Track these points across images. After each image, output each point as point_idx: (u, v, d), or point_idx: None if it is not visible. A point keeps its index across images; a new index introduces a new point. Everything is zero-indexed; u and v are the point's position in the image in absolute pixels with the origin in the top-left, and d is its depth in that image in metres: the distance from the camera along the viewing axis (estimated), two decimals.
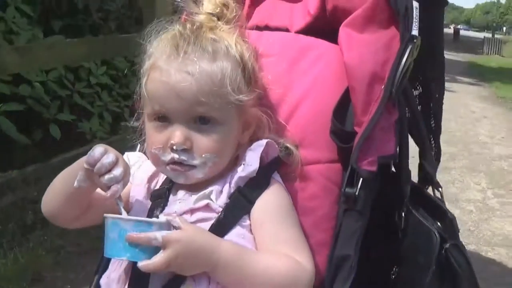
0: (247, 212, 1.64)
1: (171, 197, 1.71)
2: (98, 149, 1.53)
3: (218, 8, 1.80)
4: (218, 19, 1.78)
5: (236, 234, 1.60)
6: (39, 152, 5.50)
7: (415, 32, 1.64)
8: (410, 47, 1.64)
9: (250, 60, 1.72)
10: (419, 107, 2.00)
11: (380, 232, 1.76)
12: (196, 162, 1.62)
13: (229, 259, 1.51)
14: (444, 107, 2.13)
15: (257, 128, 1.74)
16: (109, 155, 1.53)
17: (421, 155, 1.94)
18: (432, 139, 2.08)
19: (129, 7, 7.81)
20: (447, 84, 2.10)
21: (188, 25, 1.70)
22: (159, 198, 1.72)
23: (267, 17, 2.02)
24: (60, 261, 4.17)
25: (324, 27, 1.91)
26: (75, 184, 1.56)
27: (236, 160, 1.74)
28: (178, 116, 1.60)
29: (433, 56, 2.00)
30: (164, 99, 1.60)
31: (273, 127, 1.75)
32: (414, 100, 1.90)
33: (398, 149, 1.71)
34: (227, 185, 1.67)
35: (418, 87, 2.07)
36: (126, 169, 1.57)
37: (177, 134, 1.59)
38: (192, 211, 1.64)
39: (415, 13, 1.65)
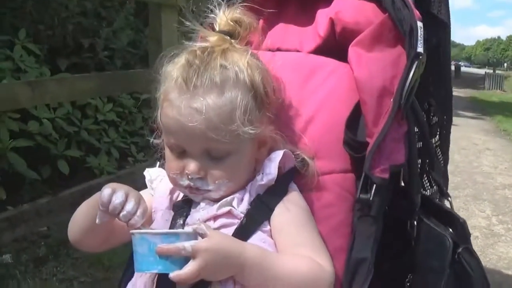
0: (267, 218, 1.69)
1: (193, 206, 1.76)
2: (106, 192, 1.58)
3: (231, 26, 1.82)
4: (232, 37, 1.80)
5: (258, 238, 1.65)
6: (47, 188, 5.55)
7: (420, 49, 1.72)
8: (416, 63, 1.71)
9: (263, 82, 1.74)
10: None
11: (393, 242, 1.81)
12: (210, 187, 1.68)
13: (254, 262, 1.55)
14: None
15: (274, 143, 1.79)
16: (117, 194, 1.58)
17: (430, 166, 2.00)
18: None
19: (134, 45, 7.92)
20: None
21: (198, 52, 1.70)
22: (181, 208, 1.77)
23: (279, 40, 2.08)
24: None
25: (332, 48, 1.99)
26: (97, 221, 1.61)
27: (255, 171, 1.78)
28: (191, 150, 1.66)
29: (440, 79, 2.06)
30: (177, 135, 1.66)
31: (286, 142, 1.80)
32: (422, 115, 1.95)
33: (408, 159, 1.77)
34: (247, 193, 1.72)
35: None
36: (139, 199, 1.61)
37: (191, 165, 1.66)
38: (215, 217, 1.68)
39: (420, 32, 1.73)
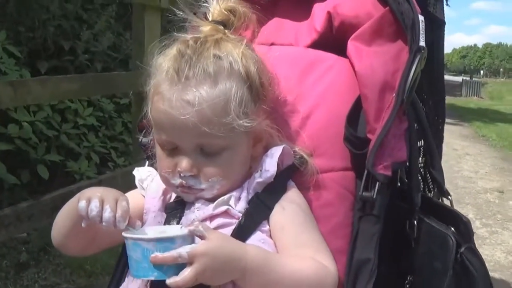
0: (266, 217, 1.63)
1: (187, 207, 1.69)
2: (81, 205, 1.50)
3: (224, 16, 1.78)
4: (225, 27, 1.76)
5: (257, 239, 1.59)
6: (26, 194, 5.47)
7: (422, 43, 1.68)
8: (418, 57, 1.67)
9: (258, 73, 1.69)
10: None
11: (391, 244, 1.75)
12: (203, 186, 1.62)
13: (255, 266, 1.48)
14: None
15: (270, 139, 1.73)
16: (91, 206, 1.49)
17: (430, 164, 1.94)
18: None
19: (114, 48, 7.85)
20: None
21: (191, 42, 1.64)
22: (174, 210, 1.71)
23: (273, 35, 2.03)
24: None
25: (329, 42, 1.94)
26: (83, 224, 1.55)
27: (251, 169, 1.73)
28: (183, 146, 1.60)
29: (432, 77, 2.03)
30: (169, 129, 1.59)
31: (282, 138, 1.75)
32: (422, 112, 1.91)
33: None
34: (245, 191, 1.66)
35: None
36: (115, 203, 1.52)
37: (183, 162, 1.59)
38: (211, 217, 1.62)
39: (421, 26, 1.69)
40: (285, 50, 1.97)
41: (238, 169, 1.67)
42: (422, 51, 1.67)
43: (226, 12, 1.78)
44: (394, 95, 1.67)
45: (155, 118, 1.64)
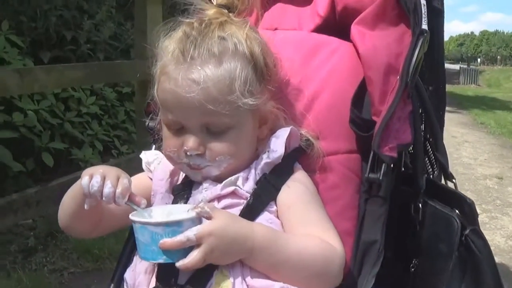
0: (274, 198, 1.65)
1: (194, 188, 1.71)
2: (84, 182, 1.52)
3: (229, 0, 1.81)
4: (230, 11, 1.78)
5: (265, 219, 1.61)
6: (31, 181, 5.50)
7: (424, 26, 1.70)
8: (421, 39, 1.68)
9: (262, 54, 1.70)
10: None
11: (396, 228, 1.78)
12: (211, 164, 1.63)
13: (263, 244, 1.50)
14: None
15: (276, 120, 1.75)
16: (93, 182, 1.52)
17: (434, 147, 1.97)
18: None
19: (116, 38, 7.88)
20: None
21: (196, 24, 1.66)
22: (182, 191, 1.73)
23: (276, 20, 2.06)
24: (64, 282, 4.15)
25: (332, 27, 1.97)
26: (86, 207, 1.58)
27: (257, 151, 1.75)
28: (190, 125, 1.61)
29: (433, 65, 2.04)
30: (175, 108, 1.61)
31: (288, 119, 1.77)
32: (426, 95, 1.93)
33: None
34: (252, 171, 1.68)
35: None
36: (116, 180, 1.54)
37: (190, 141, 1.60)
38: (219, 198, 1.63)
39: (424, 9, 1.71)
40: (289, 34, 2.00)
41: (244, 148, 1.68)
42: (425, 34, 1.69)
43: None
44: (398, 77, 1.69)
45: (161, 98, 1.66)
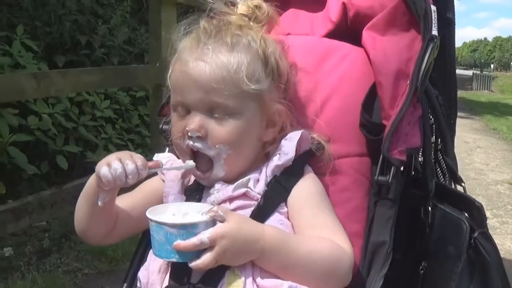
0: (284, 199, 1.67)
1: (205, 190, 1.74)
2: (104, 171, 1.54)
3: (251, 10, 1.85)
4: (250, 20, 1.83)
5: (275, 220, 1.64)
6: (45, 184, 5.54)
7: (434, 32, 1.73)
8: (431, 45, 1.71)
9: (274, 55, 1.75)
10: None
11: (406, 231, 1.81)
12: (211, 152, 1.66)
13: (274, 246, 1.53)
14: None
15: (284, 125, 1.78)
16: (114, 166, 1.54)
17: (443, 151, 1.99)
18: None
19: (130, 43, 7.92)
20: None
21: (214, 21, 1.75)
22: (193, 192, 1.76)
23: (289, 26, 2.09)
24: (78, 283, 4.17)
25: (344, 32, 2.01)
26: (99, 203, 1.61)
27: (268, 154, 1.78)
28: (195, 105, 1.65)
29: (445, 73, 2.06)
30: (183, 88, 1.66)
31: (299, 122, 1.80)
32: (436, 101, 1.96)
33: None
34: (263, 174, 1.71)
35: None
36: (131, 156, 1.58)
37: (193, 121, 1.64)
38: (230, 199, 1.67)
39: (434, 15, 1.74)
40: (301, 39, 2.03)
41: (244, 142, 1.70)
42: (435, 40, 1.72)
43: (252, 7, 1.85)
44: (408, 82, 1.72)
45: (172, 79, 1.72)
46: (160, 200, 1.79)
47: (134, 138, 7.23)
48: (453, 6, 2.01)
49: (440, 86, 2.04)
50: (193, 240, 1.45)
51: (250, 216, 1.62)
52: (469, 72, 61.70)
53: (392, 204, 1.71)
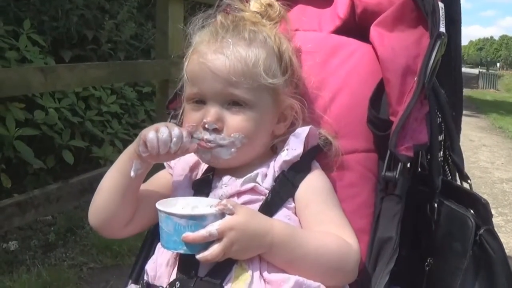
0: (292, 195, 1.68)
1: (214, 183, 1.75)
2: (151, 135, 1.57)
3: (263, 7, 1.88)
4: (262, 17, 1.86)
5: (283, 215, 1.64)
6: (50, 178, 5.55)
7: (442, 29, 1.73)
8: (439, 42, 1.72)
9: (288, 52, 1.78)
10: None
11: (411, 227, 1.82)
12: (224, 142, 1.67)
13: (281, 240, 1.54)
14: None
15: (295, 120, 1.79)
16: (162, 131, 1.59)
17: (450, 148, 1.99)
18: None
19: (137, 38, 7.93)
20: None
21: (230, 17, 1.78)
22: (201, 186, 1.77)
23: (297, 22, 2.09)
24: (83, 277, 4.18)
25: (351, 29, 2.02)
26: (132, 174, 1.63)
27: (275, 149, 1.80)
28: (212, 97, 1.67)
29: (450, 71, 2.05)
30: (200, 79, 1.68)
31: (307, 117, 1.81)
32: (443, 97, 1.96)
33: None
34: (271, 169, 1.71)
35: None
36: (170, 125, 1.63)
37: (210, 113, 1.66)
38: (238, 194, 1.68)
39: (442, 12, 1.75)
40: (309, 35, 2.04)
41: (259, 134, 1.72)
42: (443, 37, 1.73)
43: (265, 5, 1.89)
44: (415, 79, 1.72)
45: (189, 71, 1.73)
46: (168, 193, 1.79)
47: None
48: (459, 4, 2.01)
49: (445, 83, 2.03)
50: (202, 232, 1.46)
51: (258, 211, 1.62)
52: (475, 71, 61.71)
53: (398, 200, 1.71)
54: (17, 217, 3.73)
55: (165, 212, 1.51)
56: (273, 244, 1.53)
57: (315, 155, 1.78)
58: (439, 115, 1.94)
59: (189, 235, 1.46)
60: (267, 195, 1.66)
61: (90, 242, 4.62)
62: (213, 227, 1.46)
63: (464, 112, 2.17)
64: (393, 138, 1.68)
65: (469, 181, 1.98)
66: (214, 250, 1.46)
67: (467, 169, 1.97)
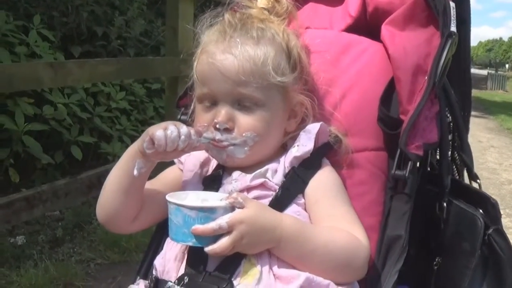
0: (302, 191, 1.68)
1: (223, 179, 1.75)
2: (159, 133, 1.57)
3: (270, 3, 1.87)
4: (269, 13, 1.85)
5: (292, 211, 1.64)
6: (59, 174, 5.58)
7: (453, 28, 1.73)
8: (450, 41, 1.72)
9: (296, 48, 1.78)
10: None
11: (420, 226, 1.81)
12: (236, 141, 1.67)
13: (291, 235, 1.54)
14: None
15: (305, 116, 1.80)
16: (171, 129, 1.58)
17: (460, 147, 1.99)
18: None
19: (146, 35, 7.94)
20: None
21: (238, 15, 1.78)
22: (212, 182, 1.77)
23: (308, 20, 2.09)
24: (90, 272, 4.20)
25: (362, 27, 2.02)
26: (135, 172, 1.63)
27: (285, 145, 1.80)
28: (222, 97, 1.67)
29: (460, 70, 2.04)
30: (210, 80, 1.68)
31: (318, 114, 1.81)
32: (453, 97, 1.95)
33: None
34: (281, 165, 1.72)
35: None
36: (178, 124, 1.63)
37: (221, 113, 1.66)
38: (248, 189, 1.67)
39: (453, 12, 1.74)
40: (320, 33, 2.03)
41: (271, 132, 1.72)
42: (453, 36, 1.72)
43: (272, 1, 1.88)
44: (426, 78, 1.72)
45: (199, 71, 1.73)
46: (178, 189, 1.79)
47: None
48: (469, 3, 2.01)
49: (455, 83, 2.03)
50: (212, 225, 1.46)
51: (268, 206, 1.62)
52: (484, 72, 61.50)
53: (408, 198, 1.70)
54: (25, 212, 3.73)
55: (175, 204, 1.51)
56: (282, 238, 1.53)
57: (325, 152, 1.78)
58: (449, 115, 1.94)
59: (199, 227, 1.47)
60: (277, 190, 1.66)
61: (97, 237, 4.64)
62: (223, 220, 1.47)
63: (472, 113, 2.17)
64: (403, 136, 1.67)
65: (478, 180, 1.98)
66: (223, 243, 1.47)
67: (475, 170, 1.97)
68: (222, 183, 1.75)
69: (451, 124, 1.97)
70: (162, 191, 1.77)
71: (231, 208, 1.51)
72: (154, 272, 1.72)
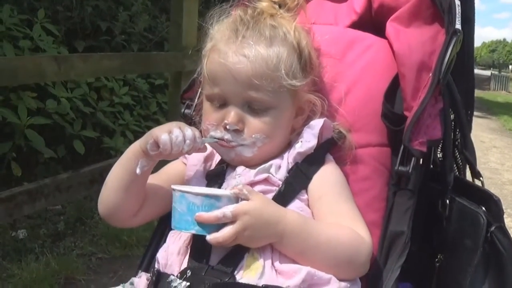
0: (305, 186, 1.68)
1: (227, 174, 1.76)
2: (164, 137, 1.57)
3: None
4: (280, 7, 1.84)
5: (295, 207, 1.64)
6: (61, 168, 5.59)
7: (458, 26, 1.73)
8: (454, 39, 1.72)
9: (307, 47, 1.77)
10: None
11: (423, 225, 1.83)
12: (245, 142, 1.68)
13: (294, 230, 1.54)
14: None
15: (311, 113, 1.80)
16: (175, 133, 1.59)
17: (463, 145, 1.99)
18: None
19: (150, 30, 7.94)
20: None
21: (249, 11, 1.76)
22: (215, 176, 1.77)
23: (314, 15, 2.08)
24: (91, 267, 4.21)
25: (367, 23, 2.02)
26: (138, 171, 1.63)
27: (290, 142, 1.79)
28: (233, 98, 1.67)
29: (463, 72, 2.03)
30: (221, 80, 1.67)
31: (326, 111, 1.81)
32: (457, 95, 1.95)
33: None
34: (285, 160, 1.72)
35: None
36: (183, 124, 1.64)
37: (231, 114, 1.66)
38: (252, 184, 1.66)
39: (458, 9, 1.74)
40: (325, 29, 2.03)
41: (279, 132, 1.73)
42: (458, 34, 1.72)
43: None
44: (430, 75, 1.72)
45: (210, 70, 1.72)
46: (182, 183, 1.79)
47: (151, 125, 7.10)
48: (474, 2, 2.00)
49: (458, 82, 2.02)
50: (216, 213, 1.47)
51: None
52: (487, 72, 61.39)
53: (411, 195, 1.71)
54: (27, 206, 3.74)
55: (180, 191, 1.52)
56: (285, 233, 1.53)
57: (329, 148, 1.78)
58: (452, 112, 1.94)
59: (203, 214, 1.47)
60: (280, 186, 1.66)
61: (99, 232, 4.65)
62: (227, 209, 1.47)
63: (475, 113, 2.17)
64: (407, 132, 1.68)
65: (481, 178, 1.97)
66: (226, 233, 1.47)
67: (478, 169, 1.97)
68: (226, 178, 1.75)
69: (453, 121, 1.96)
70: (165, 185, 1.78)
71: (236, 199, 1.51)
72: (156, 266, 1.71)
